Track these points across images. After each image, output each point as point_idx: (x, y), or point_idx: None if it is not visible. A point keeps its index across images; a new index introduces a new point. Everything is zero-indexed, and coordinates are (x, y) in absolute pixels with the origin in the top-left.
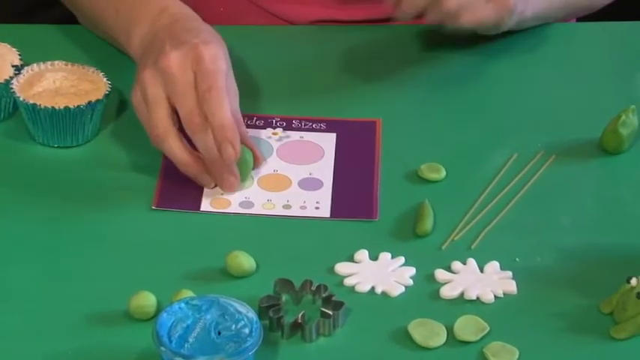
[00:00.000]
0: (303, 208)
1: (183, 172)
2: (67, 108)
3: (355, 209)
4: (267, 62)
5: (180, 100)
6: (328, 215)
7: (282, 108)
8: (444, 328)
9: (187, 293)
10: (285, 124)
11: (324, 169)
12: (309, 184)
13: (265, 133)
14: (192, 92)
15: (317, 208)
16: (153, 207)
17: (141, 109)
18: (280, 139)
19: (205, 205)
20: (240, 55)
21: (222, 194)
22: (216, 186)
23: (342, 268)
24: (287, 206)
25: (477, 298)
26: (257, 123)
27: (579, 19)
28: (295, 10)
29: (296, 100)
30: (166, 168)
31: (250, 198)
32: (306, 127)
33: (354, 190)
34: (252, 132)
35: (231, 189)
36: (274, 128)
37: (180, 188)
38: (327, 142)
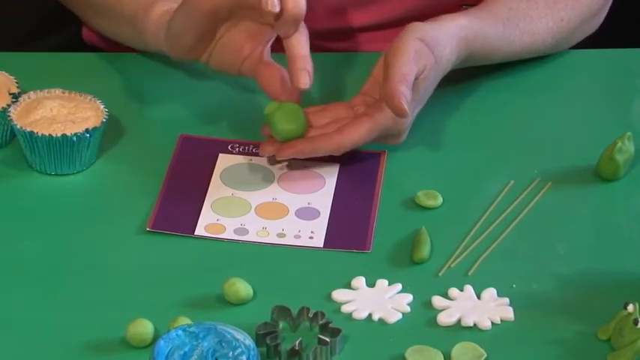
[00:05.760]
0: (297, 237)
1: None
2: (64, 135)
3: (349, 240)
4: None
5: None
6: (321, 245)
7: None
8: (441, 354)
9: (184, 320)
10: None
11: (323, 199)
12: (306, 213)
13: (269, 161)
14: None
15: (311, 237)
16: (147, 228)
17: None
18: (282, 167)
19: (200, 229)
20: (249, 83)
21: (217, 220)
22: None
23: (339, 295)
24: (281, 235)
25: (474, 325)
26: None
27: (573, 47)
28: None
29: None
30: (166, 191)
31: (246, 225)
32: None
33: (349, 222)
34: (255, 160)
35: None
36: None
37: (176, 212)
38: (330, 172)
